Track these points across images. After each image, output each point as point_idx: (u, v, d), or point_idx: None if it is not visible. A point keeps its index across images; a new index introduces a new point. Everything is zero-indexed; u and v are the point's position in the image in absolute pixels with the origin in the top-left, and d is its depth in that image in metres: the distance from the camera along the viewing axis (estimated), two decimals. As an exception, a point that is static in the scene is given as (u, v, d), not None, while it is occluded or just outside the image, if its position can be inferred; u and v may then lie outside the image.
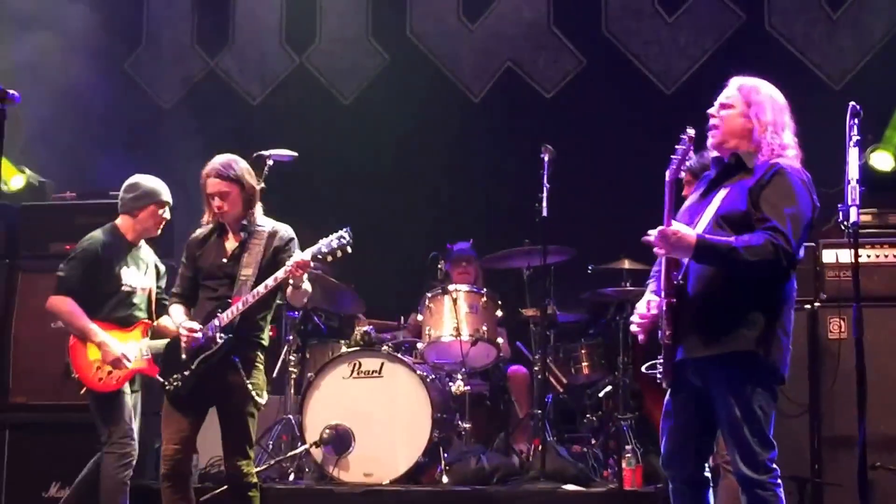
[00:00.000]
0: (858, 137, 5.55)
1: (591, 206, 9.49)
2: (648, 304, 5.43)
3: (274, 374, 8.56)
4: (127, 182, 7.33)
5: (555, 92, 10.29)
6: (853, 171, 5.56)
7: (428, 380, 8.03)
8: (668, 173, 5.26)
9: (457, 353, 8.34)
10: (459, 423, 8.30)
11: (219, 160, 6.80)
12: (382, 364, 8.05)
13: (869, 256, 7.52)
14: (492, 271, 9.14)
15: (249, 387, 6.62)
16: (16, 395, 8.49)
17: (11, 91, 6.60)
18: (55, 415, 8.35)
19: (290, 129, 9.74)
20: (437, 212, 9.78)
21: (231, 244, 6.81)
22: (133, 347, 7.13)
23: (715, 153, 5.46)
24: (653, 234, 5.19)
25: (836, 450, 7.35)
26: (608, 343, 8.84)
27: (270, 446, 8.48)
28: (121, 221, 7.33)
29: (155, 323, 7.37)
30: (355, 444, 7.91)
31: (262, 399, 6.68)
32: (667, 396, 5.42)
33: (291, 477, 8.05)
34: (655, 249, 5.25)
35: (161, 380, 6.79)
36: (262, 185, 8.05)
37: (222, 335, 6.58)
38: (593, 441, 8.50)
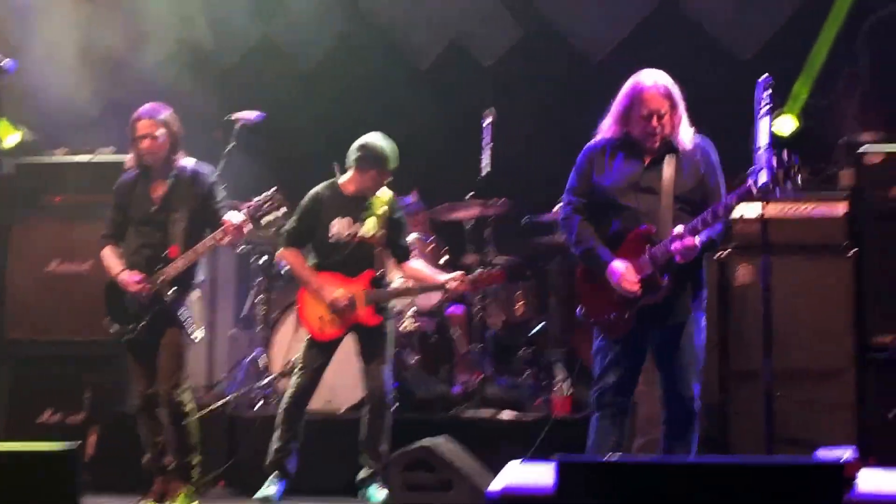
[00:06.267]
0: (770, 105, 5.48)
1: (528, 164, 9.37)
2: None
3: (243, 313, 8.50)
4: (361, 140, 7.11)
5: (493, 61, 10.02)
6: (763, 139, 5.48)
7: (380, 319, 7.94)
8: None
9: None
10: (408, 357, 8.24)
11: (148, 105, 6.64)
12: (341, 304, 7.93)
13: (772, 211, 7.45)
14: (439, 222, 9.03)
15: (186, 323, 6.60)
16: (13, 332, 8.34)
17: (6, 60, 6.52)
18: (48, 349, 8.22)
19: (258, 93, 9.52)
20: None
21: (158, 191, 6.65)
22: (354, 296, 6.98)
23: None
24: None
25: (742, 381, 7.33)
26: (541, 286, 8.83)
27: (240, 377, 8.39)
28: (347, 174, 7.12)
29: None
30: (316, 375, 7.82)
31: (199, 333, 6.64)
32: None
33: (259, 405, 7.96)
34: None
35: (116, 326, 6.69)
36: (234, 143, 7.93)
37: (172, 290, 6.54)
38: (528, 373, 8.44)
